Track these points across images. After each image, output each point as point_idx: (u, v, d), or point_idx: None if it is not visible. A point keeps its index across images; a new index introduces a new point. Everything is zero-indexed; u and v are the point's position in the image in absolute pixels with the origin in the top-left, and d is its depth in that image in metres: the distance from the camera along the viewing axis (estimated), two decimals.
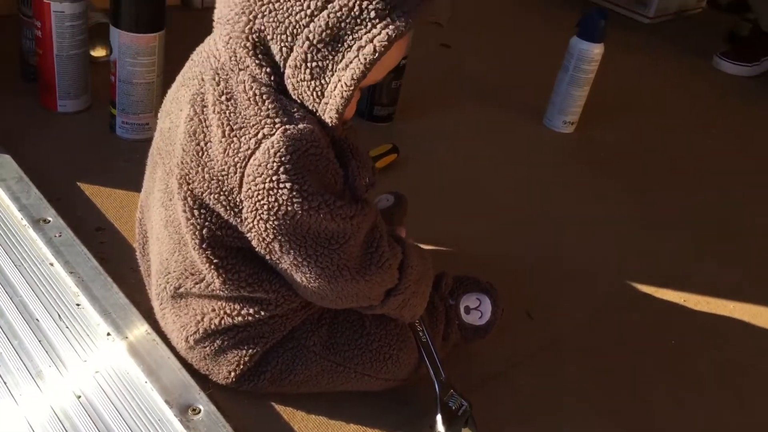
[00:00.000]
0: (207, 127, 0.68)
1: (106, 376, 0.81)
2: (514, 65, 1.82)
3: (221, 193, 0.68)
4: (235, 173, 0.67)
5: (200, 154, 0.69)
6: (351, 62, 0.63)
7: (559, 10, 2.18)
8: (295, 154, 0.65)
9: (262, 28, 0.65)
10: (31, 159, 1.09)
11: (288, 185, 0.65)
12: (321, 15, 0.62)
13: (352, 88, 0.64)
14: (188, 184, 0.70)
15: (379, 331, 0.82)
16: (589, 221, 1.29)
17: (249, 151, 0.66)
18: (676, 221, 1.34)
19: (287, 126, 0.65)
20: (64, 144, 1.18)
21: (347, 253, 0.70)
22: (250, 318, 0.76)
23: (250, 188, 0.66)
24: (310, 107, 0.67)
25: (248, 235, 0.70)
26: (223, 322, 0.77)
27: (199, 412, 0.78)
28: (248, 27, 0.65)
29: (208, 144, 0.68)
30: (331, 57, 0.63)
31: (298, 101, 0.67)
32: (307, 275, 0.71)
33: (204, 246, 0.72)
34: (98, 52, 1.36)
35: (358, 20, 0.62)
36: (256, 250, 0.71)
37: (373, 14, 0.62)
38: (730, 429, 0.96)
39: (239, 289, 0.74)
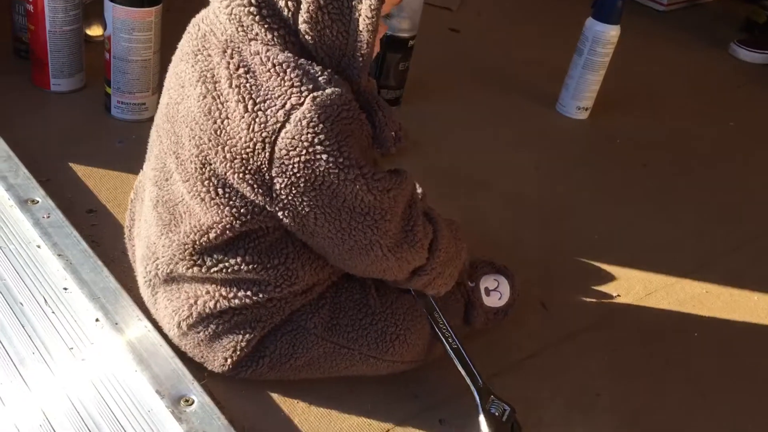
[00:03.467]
0: (222, 103, 0.64)
1: (94, 365, 0.76)
2: (525, 50, 1.76)
3: (246, 171, 0.64)
4: (263, 149, 0.63)
5: (219, 132, 0.65)
6: None
7: None
8: (328, 121, 0.62)
9: None
10: (20, 138, 1.04)
11: (324, 156, 0.62)
12: None
13: (374, 18, 0.61)
14: (210, 165, 0.66)
15: (384, 310, 0.77)
16: (604, 210, 1.23)
17: (278, 125, 0.62)
18: (696, 213, 1.28)
19: (315, 93, 0.62)
20: (56, 124, 1.13)
21: (382, 230, 0.68)
22: (247, 300, 0.72)
23: (283, 163, 0.63)
24: (338, 52, 0.64)
25: (280, 213, 0.66)
26: (218, 305, 0.72)
27: (193, 403, 0.73)
28: None
29: (226, 121, 0.64)
30: None
31: (321, 53, 0.64)
32: (339, 248, 0.69)
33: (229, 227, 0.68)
34: (94, 31, 1.31)
35: None
36: (288, 226, 0.68)
37: None
38: (756, 426, 0.90)
39: (245, 267, 0.71)
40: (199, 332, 0.74)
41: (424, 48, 1.41)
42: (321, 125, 0.61)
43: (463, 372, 0.78)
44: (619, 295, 1.05)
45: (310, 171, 0.63)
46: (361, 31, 0.62)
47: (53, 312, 0.80)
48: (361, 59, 0.64)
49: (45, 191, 0.94)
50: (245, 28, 0.64)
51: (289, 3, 0.62)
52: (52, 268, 0.84)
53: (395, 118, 0.69)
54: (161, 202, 0.73)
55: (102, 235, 0.93)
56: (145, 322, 0.80)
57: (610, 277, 1.08)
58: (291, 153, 0.62)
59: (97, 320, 0.79)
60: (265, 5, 0.63)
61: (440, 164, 1.25)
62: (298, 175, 0.63)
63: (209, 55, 0.66)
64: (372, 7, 0.61)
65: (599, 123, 1.48)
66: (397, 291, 0.79)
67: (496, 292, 0.86)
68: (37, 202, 0.92)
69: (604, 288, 1.06)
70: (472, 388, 0.78)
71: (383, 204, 0.66)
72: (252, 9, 0.63)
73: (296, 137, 0.62)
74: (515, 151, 1.35)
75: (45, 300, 0.81)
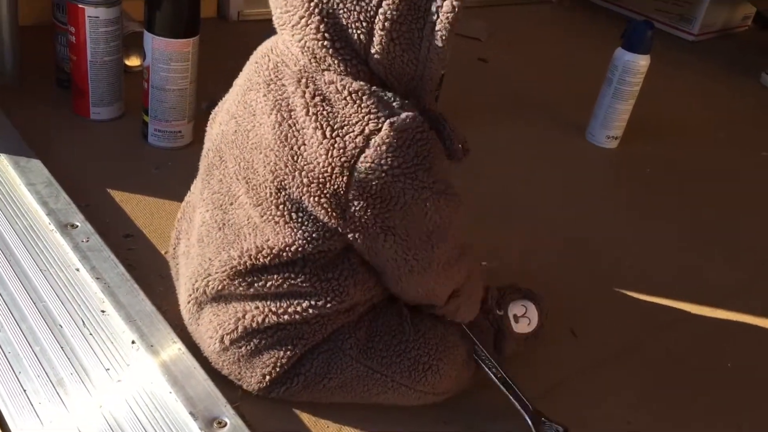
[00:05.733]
0: (299, 130, 0.67)
1: (130, 386, 0.77)
2: (554, 79, 1.77)
3: (322, 195, 0.67)
4: (342, 173, 0.66)
5: (295, 158, 0.67)
6: (435, 26, 0.64)
7: (601, 24, 2.14)
8: (405, 145, 0.65)
9: (335, 22, 0.64)
10: (61, 164, 1.07)
11: (402, 177, 0.65)
12: None
13: (444, 47, 0.64)
14: (285, 190, 0.69)
15: (418, 339, 0.78)
16: (634, 238, 1.23)
17: (357, 150, 0.65)
18: (729, 242, 1.27)
19: (391, 119, 0.65)
20: (95, 151, 1.16)
21: (441, 249, 0.71)
22: (296, 316, 0.74)
23: (361, 186, 0.65)
24: (407, 77, 0.67)
25: (350, 234, 0.69)
26: (267, 320, 0.74)
27: (225, 425, 0.74)
28: (321, 26, 0.65)
29: (302, 147, 0.67)
30: (414, 24, 0.64)
31: (391, 78, 0.67)
32: (401, 268, 0.72)
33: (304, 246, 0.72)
34: (132, 62, 1.35)
35: None
36: (356, 246, 0.71)
37: None
38: None
39: (299, 280, 0.73)
40: (240, 347, 0.76)
41: (453, 77, 1.42)
42: (400, 149, 0.65)
43: (511, 398, 0.79)
44: (649, 323, 1.04)
45: (386, 192, 0.66)
46: (431, 59, 0.65)
47: (91, 334, 0.82)
48: (429, 83, 0.67)
49: (84, 216, 0.97)
50: (318, 60, 0.67)
51: (362, 36, 0.64)
52: (90, 292, 0.87)
53: (459, 131, 0.71)
54: (227, 225, 0.75)
55: (138, 259, 0.95)
56: (179, 345, 0.81)
57: (640, 305, 1.08)
58: (370, 176, 0.65)
59: (133, 342, 0.81)
60: (338, 38, 0.65)
61: (468, 193, 1.25)
62: (374, 197, 0.66)
63: (283, 85, 0.68)
64: (443, 38, 0.64)
65: (629, 152, 1.49)
66: (430, 320, 0.80)
67: (524, 318, 0.87)
68: (77, 226, 0.95)
69: (634, 315, 1.05)
70: (524, 414, 0.78)
71: (446, 224, 0.70)
72: (326, 43, 0.65)
73: (376, 161, 0.64)
74: (544, 179, 1.36)
75: (83, 322, 0.83)
